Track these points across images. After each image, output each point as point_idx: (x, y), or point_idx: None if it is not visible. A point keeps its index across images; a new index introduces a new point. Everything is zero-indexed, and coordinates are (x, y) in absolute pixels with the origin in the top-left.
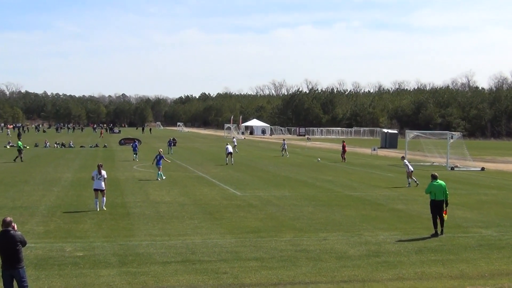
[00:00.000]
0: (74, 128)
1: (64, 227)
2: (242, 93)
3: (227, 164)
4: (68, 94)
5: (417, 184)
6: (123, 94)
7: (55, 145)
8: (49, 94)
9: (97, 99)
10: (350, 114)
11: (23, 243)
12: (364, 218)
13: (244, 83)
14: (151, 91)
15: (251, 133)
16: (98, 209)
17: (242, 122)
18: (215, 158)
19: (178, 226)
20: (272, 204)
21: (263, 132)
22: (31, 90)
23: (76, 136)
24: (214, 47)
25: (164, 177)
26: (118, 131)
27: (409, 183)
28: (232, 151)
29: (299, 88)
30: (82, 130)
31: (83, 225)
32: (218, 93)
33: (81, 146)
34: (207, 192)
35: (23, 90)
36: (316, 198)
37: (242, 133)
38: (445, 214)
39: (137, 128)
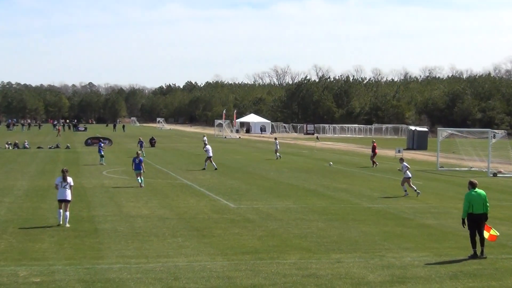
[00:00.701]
0: (29, 125)
1: (17, 246)
2: (236, 82)
3: (204, 169)
4: (22, 83)
5: (406, 194)
6: (90, 83)
7: (6, 145)
8: None
9: (59, 89)
10: (369, 108)
11: None
12: (386, 235)
13: (239, 70)
14: (125, 79)
15: (248, 130)
16: (61, 222)
17: (237, 118)
18: (203, 162)
19: (157, 245)
20: (274, 219)
21: (262, 129)
22: None
23: (32, 135)
24: (202, 25)
25: (143, 185)
26: (84, 128)
27: (405, 191)
28: (212, 154)
29: (306, 76)
30: (39, 127)
31: (41, 244)
32: (207, 82)
33: (38, 147)
34: (194, 204)
35: None
36: (327, 211)
37: (237, 131)
38: (489, 230)
39: (107, 125)
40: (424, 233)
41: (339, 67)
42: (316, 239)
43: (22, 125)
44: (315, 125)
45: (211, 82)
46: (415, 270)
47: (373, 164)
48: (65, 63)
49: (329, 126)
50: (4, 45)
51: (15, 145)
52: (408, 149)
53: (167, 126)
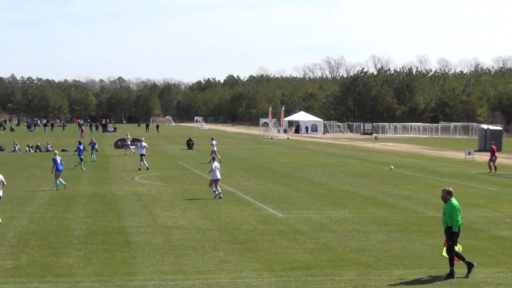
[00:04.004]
0: (52, 125)
1: (40, 261)
2: (284, 76)
3: (147, 168)
4: (44, 79)
5: (217, 196)
6: (119, 78)
7: (27, 148)
8: (18, 78)
9: (85, 85)
10: (435, 104)
11: None
12: None
13: (286, 62)
14: (159, 73)
15: (297, 130)
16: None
17: (285, 116)
18: (248, 166)
19: (196, 260)
20: (327, 230)
21: (312, 129)
22: None
23: (56, 136)
24: (244, 11)
25: (63, 184)
26: (113, 129)
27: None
28: (144, 153)
29: (363, 68)
30: (63, 127)
31: (67, 259)
32: (251, 76)
33: (62, 150)
34: (237, 213)
35: None
36: (388, 221)
37: (285, 131)
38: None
39: (139, 125)
40: (498, 246)
41: (400, 57)
42: (375, 253)
43: (44, 126)
44: (373, 124)
45: (256, 76)
46: None
47: (494, 170)
48: (92, 56)
49: (389, 125)
50: (24, 35)
51: (37, 148)
52: (479, 150)
53: (206, 126)
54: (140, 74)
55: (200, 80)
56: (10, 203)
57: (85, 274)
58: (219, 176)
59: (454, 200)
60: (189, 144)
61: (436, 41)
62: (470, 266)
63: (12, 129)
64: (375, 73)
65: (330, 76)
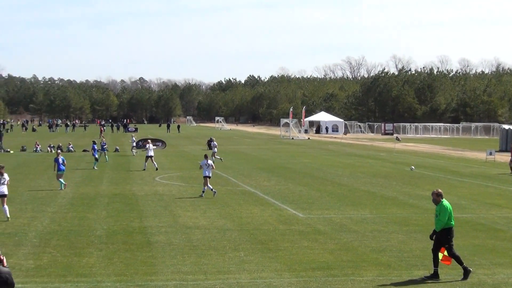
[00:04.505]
0: (74, 126)
1: (61, 261)
2: (305, 76)
3: (144, 169)
4: (66, 79)
5: (202, 195)
6: (141, 79)
7: (49, 148)
8: (40, 79)
9: (106, 86)
10: (456, 104)
11: (10, 285)
12: (476, 249)
13: (307, 62)
14: (179, 74)
15: (318, 131)
16: (9, 217)
17: (306, 116)
18: (268, 167)
19: (217, 260)
20: (348, 230)
21: (334, 129)
22: (15, 74)
23: (78, 137)
24: (265, 11)
25: (63, 186)
26: (134, 129)
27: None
28: (153, 154)
29: (384, 69)
30: (85, 128)
31: (88, 259)
32: (271, 77)
33: (84, 150)
34: (258, 213)
35: (4, 74)
36: (409, 221)
37: (306, 131)
38: (443, 251)
39: (160, 125)
40: None
41: (421, 58)
42: (396, 254)
43: (66, 126)
44: (394, 124)
45: (276, 76)
46: None
47: None
48: (113, 56)
49: (410, 125)
50: (45, 36)
51: (59, 148)
52: (501, 150)
53: (227, 126)
54: (161, 75)
55: (221, 81)
56: (32, 203)
57: (106, 274)
58: (208, 173)
59: (445, 201)
60: (210, 145)
61: (457, 41)
62: (435, 275)
63: (34, 130)
64: (396, 73)
65: (351, 76)
